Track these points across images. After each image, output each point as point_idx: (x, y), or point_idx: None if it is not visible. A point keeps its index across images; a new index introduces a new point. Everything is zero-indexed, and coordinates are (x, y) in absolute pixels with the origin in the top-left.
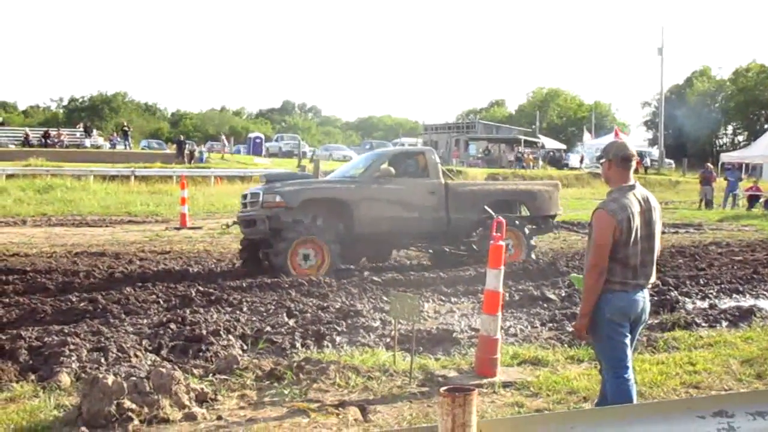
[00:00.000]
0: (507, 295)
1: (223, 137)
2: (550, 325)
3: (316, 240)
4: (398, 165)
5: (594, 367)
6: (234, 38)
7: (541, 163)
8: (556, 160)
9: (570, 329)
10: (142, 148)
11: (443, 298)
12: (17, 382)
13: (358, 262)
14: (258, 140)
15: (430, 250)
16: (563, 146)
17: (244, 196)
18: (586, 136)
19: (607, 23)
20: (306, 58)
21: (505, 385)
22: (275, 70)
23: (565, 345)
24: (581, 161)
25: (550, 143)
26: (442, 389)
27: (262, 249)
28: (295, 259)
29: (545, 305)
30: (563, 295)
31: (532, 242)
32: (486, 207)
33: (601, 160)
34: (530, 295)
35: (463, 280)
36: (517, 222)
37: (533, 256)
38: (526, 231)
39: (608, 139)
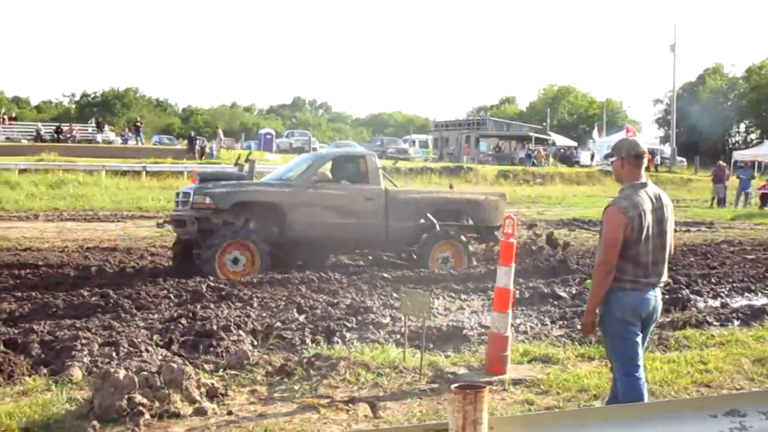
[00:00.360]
0: (517, 292)
1: (220, 132)
2: (561, 322)
3: (245, 243)
4: (337, 169)
5: (605, 365)
6: (245, 34)
7: (551, 160)
8: (567, 158)
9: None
10: (154, 144)
11: (453, 295)
12: (30, 375)
13: (292, 268)
14: (268, 136)
15: (370, 257)
16: (574, 143)
17: (177, 195)
18: (596, 133)
19: (619, 20)
20: (317, 54)
21: (515, 382)
22: (286, 66)
23: (576, 343)
24: (592, 158)
25: (561, 140)
26: (453, 386)
27: (194, 249)
28: (224, 262)
29: (556, 303)
30: (574, 292)
31: (471, 249)
32: (429, 215)
33: (612, 158)
34: (540, 293)
35: (474, 278)
36: (452, 232)
37: (474, 262)
38: (463, 239)
39: (619, 136)
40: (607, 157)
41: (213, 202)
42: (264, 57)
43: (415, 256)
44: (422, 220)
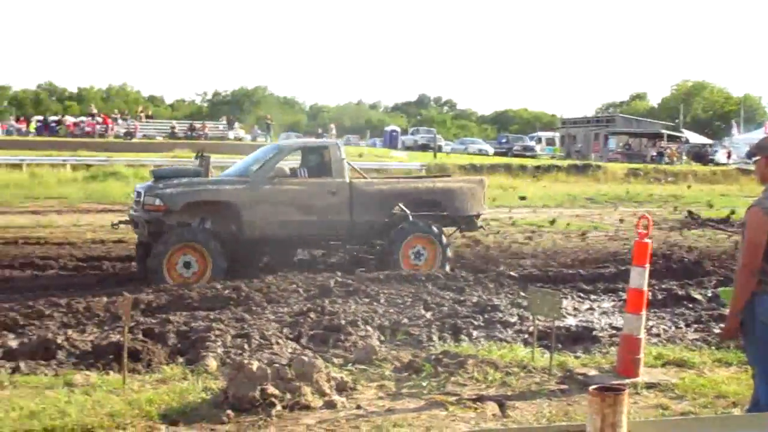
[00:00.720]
0: (650, 294)
1: (332, 127)
2: (696, 326)
3: (196, 246)
4: (298, 162)
5: (744, 372)
6: (371, 32)
7: (684, 158)
8: (701, 156)
9: (718, 331)
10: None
11: (582, 296)
12: (167, 364)
13: (251, 268)
14: (394, 133)
15: (341, 253)
16: (709, 141)
17: (135, 193)
18: (734, 130)
19: (757, 12)
20: (443, 51)
21: (649, 386)
22: (411, 63)
23: (712, 347)
24: (728, 157)
25: (695, 138)
26: (591, 388)
27: None
28: (174, 267)
29: (690, 305)
30: (709, 295)
31: (449, 253)
32: (401, 206)
33: (755, 158)
34: (674, 295)
35: (604, 278)
36: (427, 225)
37: (447, 268)
38: (434, 230)
39: (759, 134)
40: (749, 156)
41: (162, 203)
42: (390, 54)
43: (384, 250)
44: (395, 211)
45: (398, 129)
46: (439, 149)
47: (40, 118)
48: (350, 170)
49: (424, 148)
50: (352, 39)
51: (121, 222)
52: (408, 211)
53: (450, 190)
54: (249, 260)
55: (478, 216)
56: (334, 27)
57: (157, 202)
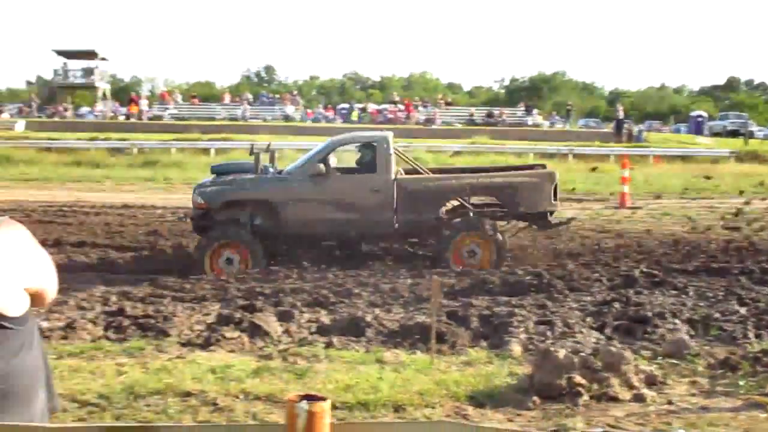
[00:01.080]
0: None
1: (620, 108)
2: None
3: (237, 243)
4: (341, 158)
5: None
6: (675, 11)
7: None
8: None
9: None
10: (580, 127)
11: None
12: (471, 347)
13: (295, 264)
14: (700, 119)
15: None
16: None
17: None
18: None
19: None
20: (754, 28)
21: None
22: (720, 43)
23: None
24: None
25: None
26: None
27: None
28: (217, 262)
29: None
30: None
31: (499, 236)
32: (463, 201)
33: None
34: None
35: None
36: (487, 225)
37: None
38: (499, 238)
39: None
40: None
41: (203, 201)
42: (696, 35)
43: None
44: (448, 207)
45: (704, 114)
46: (751, 135)
47: (345, 105)
48: (404, 164)
49: (733, 134)
50: (654, 19)
51: (186, 215)
52: (470, 207)
53: (510, 185)
54: (288, 257)
55: (549, 213)
56: (635, 7)
57: (200, 200)
